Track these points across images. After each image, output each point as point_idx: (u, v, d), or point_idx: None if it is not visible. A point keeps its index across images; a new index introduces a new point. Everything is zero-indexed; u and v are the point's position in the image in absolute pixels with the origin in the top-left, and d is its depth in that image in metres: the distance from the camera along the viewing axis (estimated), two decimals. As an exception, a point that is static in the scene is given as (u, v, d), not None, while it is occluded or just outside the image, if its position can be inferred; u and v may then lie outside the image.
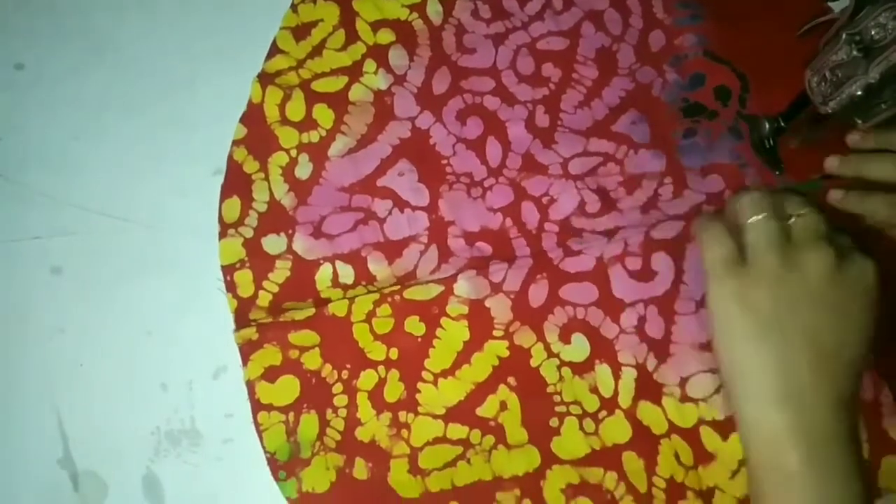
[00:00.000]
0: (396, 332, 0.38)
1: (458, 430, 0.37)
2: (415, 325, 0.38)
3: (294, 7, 0.43)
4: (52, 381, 0.38)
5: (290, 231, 0.39)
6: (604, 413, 0.37)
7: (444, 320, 0.38)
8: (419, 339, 0.38)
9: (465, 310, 0.38)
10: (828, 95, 0.36)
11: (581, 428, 0.37)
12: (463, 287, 0.38)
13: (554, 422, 0.37)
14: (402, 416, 0.37)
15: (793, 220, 0.33)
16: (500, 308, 0.38)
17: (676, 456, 0.36)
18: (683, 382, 0.37)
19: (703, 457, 0.36)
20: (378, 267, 0.39)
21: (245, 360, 0.37)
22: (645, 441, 0.36)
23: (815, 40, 0.39)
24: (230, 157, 0.40)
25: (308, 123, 0.41)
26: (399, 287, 0.38)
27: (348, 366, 0.37)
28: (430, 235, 0.39)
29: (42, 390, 0.38)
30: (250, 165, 0.40)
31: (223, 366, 0.38)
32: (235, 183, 0.40)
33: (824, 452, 0.30)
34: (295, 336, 0.38)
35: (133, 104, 0.41)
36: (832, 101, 0.36)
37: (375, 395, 0.37)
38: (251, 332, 0.38)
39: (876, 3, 0.34)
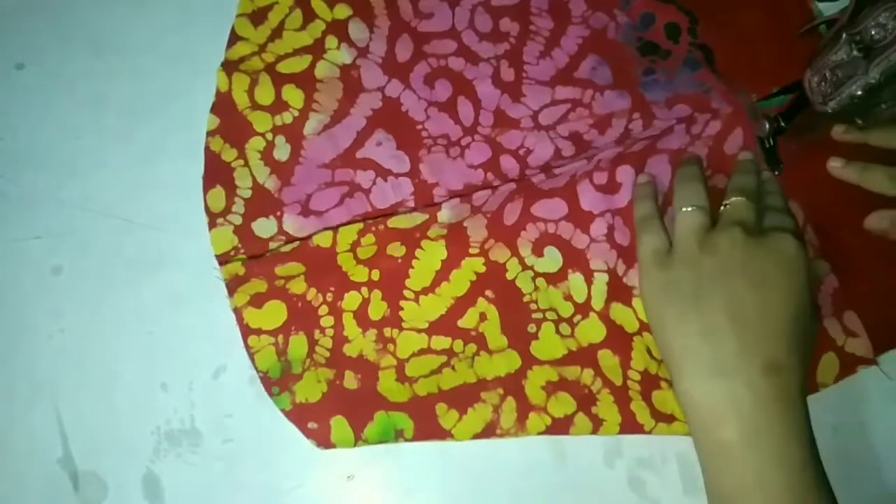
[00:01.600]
0: (378, 256, 0.39)
1: (441, 342, 0.38)
2: (396, 249, 0.39)
3: None
4: (52, 381, 0.38)
5: (279, 213, 0.40)
6: (578, 317, 0.39)
7: (423, 242, 0.39)
8: (399, 261, 0.39)
9: (444, 231, 0.39)
10: (828, 95, 0.36)
11: (558, 332, 0.38)
12: (446, 214, 0.39)
13: (532, 328, 0.38)
14: (388, 332, 0.38)
15: (724, 206, 0.35)
16: (475, 227, 0.39)
17: (648, 351, 0.38)
18: None
19: None
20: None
21: (231, 293, 0.38)
22: (618, 339, 0.38)
23: (815, 40, 0.39)
24: (207, 149, 0.40)
25: (279, 106, 0.41)
26: (383, 217, 0.39)
27: (332, 289, 0.39)
28: (417, 199, 0.40)
29: (42, 390, 0.38)
30: (228, 154, 0.40)
31: (223, 366, 0.38)
32: (216, 173, 0.40)
33: (756, 420, 0.31)
34: (281, 269, 0.38)
35: (133, 104, 0.41)
36: (832, 100, 0.36)
37: (360, 315, 0.39)
38: (237, 267, 0.39)
39: (876, 3, 0.34)
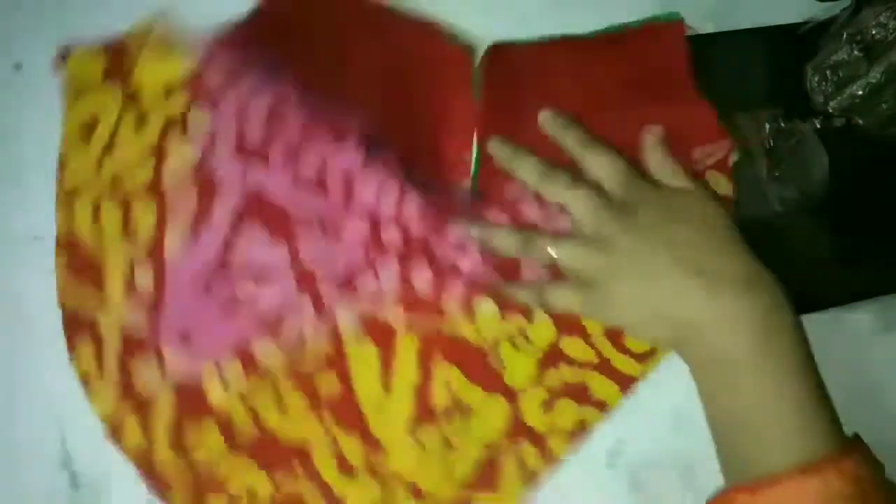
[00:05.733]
0: (318, 397, 0.36)
1: (429, 434, 0.36)
2: (329, 382, 0.36)
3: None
4: (52, 382, 0.38)
5: (157, 349, 0.35)
6: (525, 325, 0.38)
7: (348, 352, 0.36)
8: (340, 392, 0.36)
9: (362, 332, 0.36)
10: (829, 95, 0.36)
11: (515, 347, 0.37)
12: (347, 320, 0.36)
13: (492, 360, 0.37)
14: (376, 461, 0.36)
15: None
16: (393, 316, 0.37)
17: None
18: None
19: None
20: (265, 350, 0.36)
21: None
22: (567, 323, 0.38)
23: (816, 39, 0.39)
24: (60, 302, 0.36)
25: (131, 228, 0.36)
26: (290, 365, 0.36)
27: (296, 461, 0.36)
28: (303, 296, 0.36)
29: (41, 390, 0.37)
30: (84, 300, 0.36)
31: (223, 366, 0.38)
32: (76, 327, 0.36)
33: (752, 333, 0.32)
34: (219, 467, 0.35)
35: (133, 104, 0.41)
36: (833, 100, 0.36)
37: (344, 466, 0.36)
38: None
39: (876, 2, 0.34)
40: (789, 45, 0.42)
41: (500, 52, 0.39)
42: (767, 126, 0.40)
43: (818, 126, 0.38)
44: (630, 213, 0.35)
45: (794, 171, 0.41)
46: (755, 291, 0.32)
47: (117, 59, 0.38)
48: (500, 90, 0.39)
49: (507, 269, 0.38)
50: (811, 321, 0.39)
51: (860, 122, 0.37)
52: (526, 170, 0.37)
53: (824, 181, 0.41)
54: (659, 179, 0.37)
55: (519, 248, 0.36)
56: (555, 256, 0.35)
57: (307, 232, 0.37)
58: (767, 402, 0.31)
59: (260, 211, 0.37)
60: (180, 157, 0.36)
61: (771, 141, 0.40)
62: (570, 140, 0.38)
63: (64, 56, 0.38)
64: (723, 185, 0.40)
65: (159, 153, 0.37)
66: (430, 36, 0.39)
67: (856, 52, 0.35)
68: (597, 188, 0.36)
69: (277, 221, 0.37)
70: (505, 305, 0.37)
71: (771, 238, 0.41)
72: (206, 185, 0.36)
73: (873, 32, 0.34)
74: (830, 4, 0.42)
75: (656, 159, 0.37)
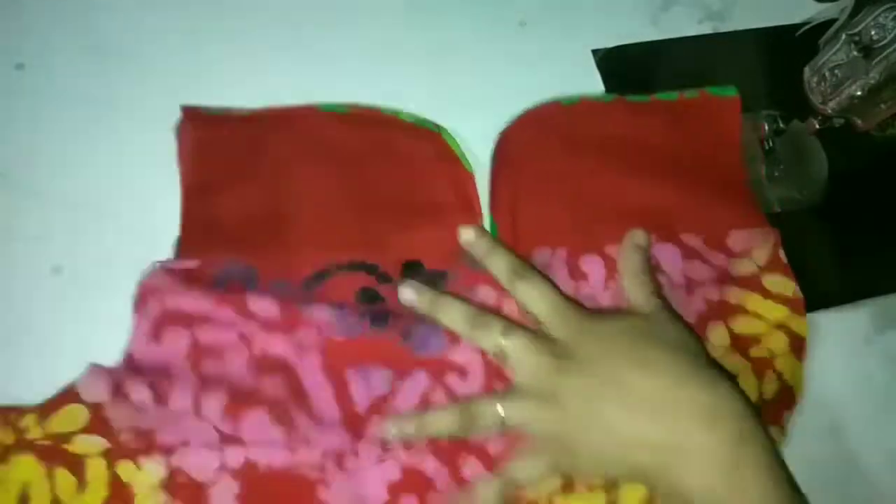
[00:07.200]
0: None
1: None
2: None
3: None
4: (53, 382, 0.38)
5: None
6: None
7: None
8: None
9: None
10: (827, 95, 0.36)
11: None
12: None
13: None
14: None
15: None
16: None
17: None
18: None
19: None
20: None
21: None
22: None
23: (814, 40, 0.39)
24: None
25: None
26: None
27: None
28: None
29: (42, 391, 0.37)
30: None
31: (223, 366, 0.38)
32: None
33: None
34: None
35: (134, 104, 0.41)
36: (832, 101, 0.36)
37: None
38: None
39: (875, 3, 0.34)
40: (788, 45, 0.43)
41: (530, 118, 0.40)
42: (767, 127, 0.40)
43: (817, 126, 0.38)
44: (570, 354, 0.32)
45: (794, 172, 0.41)
46: (719, 424, 0.30)
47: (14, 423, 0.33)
48: (522, 159, 0.39)
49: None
50: (811, 321, 0.39)
51: (859, 122, 0.37)
52: (453, 318, 0.34)
53: (823, 181, 0.41)
54: (628, 290, 0.35)
55: (461, 426, 0.32)
56: (503, 416, 0.32)
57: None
58: None
59: (266, 487, 0.32)
60: (146, 479, 0.31)
61: (770, 141, 0.40)
62: (496, 267, 0.35)
63: None
64: (786, 287, 0.37)
65: (122, 496, 0.31)
66: (388, 131, 0.40)
67: (854, 53, 0.35)
68: (532, 327, 0.34)
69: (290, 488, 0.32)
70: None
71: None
72: (193, 497, 0.32)
73: (872, 33, 0.34)
74: (829, 5, 0.42)
75: (631, 266, 0.36)
